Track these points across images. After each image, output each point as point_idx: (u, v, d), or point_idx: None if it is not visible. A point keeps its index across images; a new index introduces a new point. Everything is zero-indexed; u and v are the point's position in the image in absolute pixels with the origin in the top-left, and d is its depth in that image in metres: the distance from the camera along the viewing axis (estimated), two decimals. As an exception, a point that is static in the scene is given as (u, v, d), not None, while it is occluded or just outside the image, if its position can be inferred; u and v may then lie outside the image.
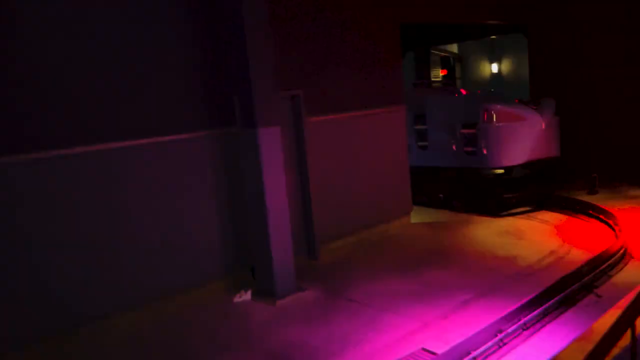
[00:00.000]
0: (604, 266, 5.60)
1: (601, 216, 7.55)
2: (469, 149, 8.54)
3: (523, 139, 8.29)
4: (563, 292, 5.03)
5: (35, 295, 4.75)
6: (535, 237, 7.21)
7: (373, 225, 7.69)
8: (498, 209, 8.45)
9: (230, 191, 6.07)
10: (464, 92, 10.12)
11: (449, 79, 15.83)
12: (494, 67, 16.49)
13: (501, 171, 8.32)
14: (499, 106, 8.31)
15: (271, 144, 5.61)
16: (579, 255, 6.20)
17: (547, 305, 4.80)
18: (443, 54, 15.91)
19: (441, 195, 9.33)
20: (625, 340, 1.76)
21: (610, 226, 7.15)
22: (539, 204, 8.63)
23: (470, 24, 10.37)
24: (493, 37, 14.66)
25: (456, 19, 9.35)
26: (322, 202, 6.87)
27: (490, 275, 5.90)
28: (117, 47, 5.22)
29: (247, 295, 5.86)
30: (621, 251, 5.96)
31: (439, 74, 15.30)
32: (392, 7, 7.77)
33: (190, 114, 5.77)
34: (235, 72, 5.63)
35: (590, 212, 7.88)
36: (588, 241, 6.77)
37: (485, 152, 8.26)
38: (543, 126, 8.44)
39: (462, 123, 8.67)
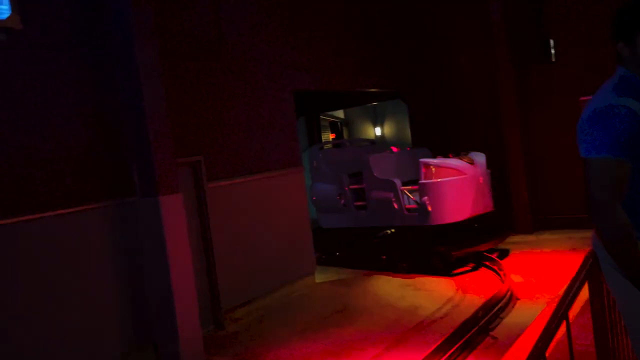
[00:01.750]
0: (495, 309, 6.06)
1: (487, 263, 8.18)
2: (411, 206, 8.37)
3: (464, 194, 8.08)
4: (463, 338, 5.34)
5: None
6: (432, 286, 7.61)
7: (278, 287, 7.64)
8: (446, 268, 8.04)
9: (128, 264, 5.73)
10: (394, 149, 10.22)
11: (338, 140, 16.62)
12: (377, 130, 17.67)
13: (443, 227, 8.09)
14: (437, 161, 8.22)
15: (174, 212, 5.48)
16: (473, 301, 6.64)
17: (450, 352, 5.05)
18: (331, 119, 16.78)
19: (384, 257, 8.93)
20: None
21: (495, 272, 7.76)
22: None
23: (354, 92, 11.14)
24: (375, 103, 15.82)
25: (342, 87, 10.01)
26: (226, 269, 6.73)
27: (396, 328, 6.10)
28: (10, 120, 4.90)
29: (151, 376, 5.47)
30: (508, 294, 6.49)
31: (329, 137, 16.03)
32: (287, 76, 8.16)
33: (81, 185, 5.45)
34: (133, 139, 5.51)
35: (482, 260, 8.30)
36: (479, 287, 7.28)
37: (429, 209, 8.03)
38: (481, 180, 8.36)
39: (401, 180, 8.57)
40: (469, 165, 8.27)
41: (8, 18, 4.90)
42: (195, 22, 6.82)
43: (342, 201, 9.50)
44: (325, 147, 11.48)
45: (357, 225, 9.38)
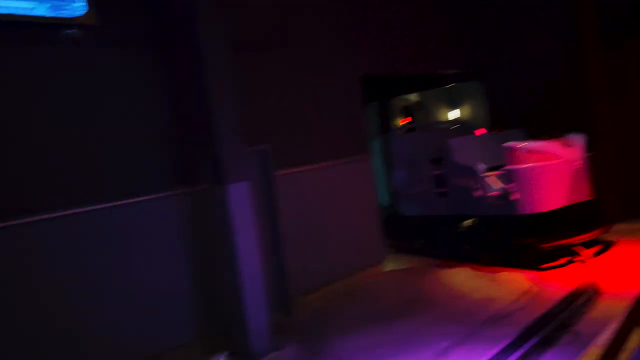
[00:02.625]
0: (578, 302, 5.65)
1: (578, 256, 7.38)
2: (495, 194, 7.78)
3: (556, 181, 7.41)
4: (541, 332, 5.03)
5: None
6: (510, 278, 7.23)
7: (347, 275, 7.60)
8: (535, 262, 7.35)
9: (201, 250, 5.94)
10: (480, 132, 9.45)
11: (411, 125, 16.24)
12: (453, 113, 17.05)
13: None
14: (525, 144, 7.51)
15: (241, 200, 5.57)
16: (552, 294, 6.24)
17: (527, 347, 4.77)
18: (404, 103, 16.39)
19: (467, 247, 8.43)
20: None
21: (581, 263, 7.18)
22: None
23: (429, 75, 10.77)
24: (450, 85, 15.25)
25: (415, 70, 9.70)
26: (294, 256, 6.78)
27: (468, 320, 5.86)
28: (85, 115, 5.24)
29: (222, 359, 5.63)
30: (592, 288, 6.03)
31: (401, 122, 15.68)
32: (356, 60, 8.02)
33: (156, 174, 5.69)
34: (202, 129, 5.64)
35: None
36: (561, 281, 6.81)
37: (514, 197, 7.45)
38: (577, 165, 7.59)
39: (486, 166, 7.93)
40: (563, 148, 7.58)
41: (85, 15, 5.16)
42: (260, 9, 6.84)
43: (422, 188, 9.14)
44: (406, 131, 10.93)
45: (437, 213, 8.95)
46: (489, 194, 7.83)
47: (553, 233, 7.39)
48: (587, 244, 7.49)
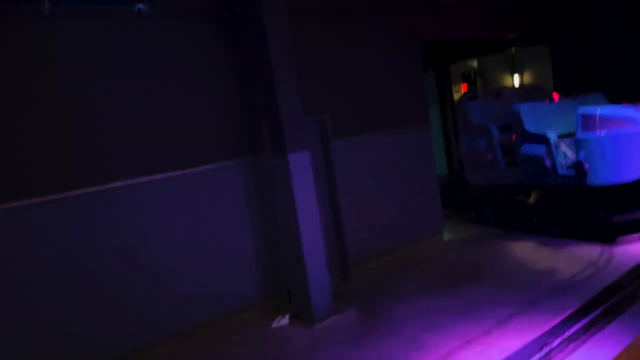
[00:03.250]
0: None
1: None
2: (567, 164, 7.47)
3: (633, 150, 6.93)
4: (606, 302, 4.94)
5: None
6: (576, 249, 7.06)
7: (405, 244, 7.66)
8: (607, 235, 7.04)
9: (264, 216, 6.16)
10: (556, 96, 8.88)
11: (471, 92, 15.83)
12: (516, 79, 16.42)
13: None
14: (600, 110, 7.08)
15: (301, 169, 5.69)
16: (619, 266, 6.06)
17: (591, 317, 4.71)
18: (463, 69, 15.93)
19: (535, 218, 8.18)
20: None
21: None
22: None
23: (489, 39, 10.39)
24: (513, 50, 14.65)
25: (476, 35, 9.40)
26: (353, 223, 6.89)
27: (530, 289, 5.81)
28: (152, 88, 5.46)
29: (285, 320, 5.88)
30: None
31: (460, 89, 15.30)
32: (413, 26, 7.87)
33: (221, 143, 5.92)
34: (262, 99, 5.77)
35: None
36: (629, 253, 6.58)
37: (586, 167, 7.10)
38: None
39: (557, 133, 7.63)
40: None
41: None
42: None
43: (490, 156, 8.83)
44: (477, 97, 10.45)
45: (505, 182, 8.67)
46: (561, 163, 7.54)
47: (628, 206, 7.10)
48: None
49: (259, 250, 6.14)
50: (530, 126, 7.87)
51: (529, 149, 7.89)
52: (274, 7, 5.56)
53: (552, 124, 7.81)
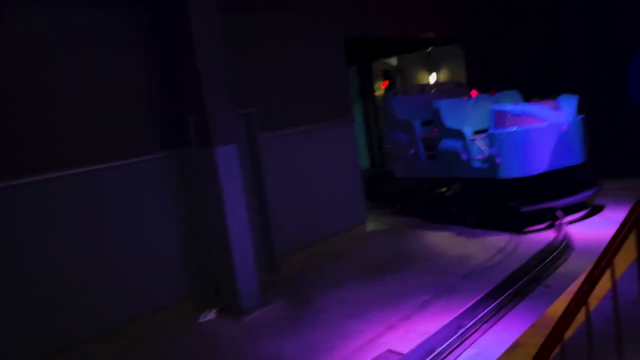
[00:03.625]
0: (549, 258, 5.99)
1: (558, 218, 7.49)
2: (481, 157, 7.78)
3: (540, 145, 7.35)
4: (514, 285, 5.36)
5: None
6: (486, 236, 7.57)
7: (330, 235, 7.85)
8: (516, 225, 7.49)
9: (190, 210, 6.07)
10: (474, 93, 9.23)
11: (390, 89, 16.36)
12: (432, 77, 17.18)
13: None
14: (511, 107, 7.43)
15: (229, 162, 5.68)
16: (526, 251, 6.58)
17: (501, 299, 5.09)
18: (384, 66, 16.44)
19: (453, 210, 8.64)
20: (581, 317, 1.98)
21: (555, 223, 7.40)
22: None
23: (408, 38, 10.82)
24: (429, 49, 15.32)
25: (395, 33, 9.76)
26: (279, 217, 6.97)
27: (446, 275, 6.18)
28: (73, 76, 5.19)
29: (212, 315, 5.86)
30: (564, 243, 6.38)
31: (381, 85, 15.79)
32: (337, 24, 8.04)
33: (146, 137, 5.75)
34: (189, 91, 5.68)
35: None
36: (535, 239, 7.16)
37: (498, 161, 7.45)
38: (566, 128, 7.47)
39: (473, 129, 7.97)
40: (551, 111, 7.47)
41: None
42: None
43: (413, 150, 9.12)
44: (403, 93, 10.75)
45: (427, 175, 9.06)
46: (475, 157, 7.91)
47: (534, 196, 7.52)
48: (575, 208, 7.59)
49: (185, 244, 6.04)
50: (448, 122, 8.22)
51: (447, 143, 8.24)
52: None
53: (468, 120, 8.18)
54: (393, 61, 17.04)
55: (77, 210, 5.19)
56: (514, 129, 7.30)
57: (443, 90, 10.41)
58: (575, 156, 7.67)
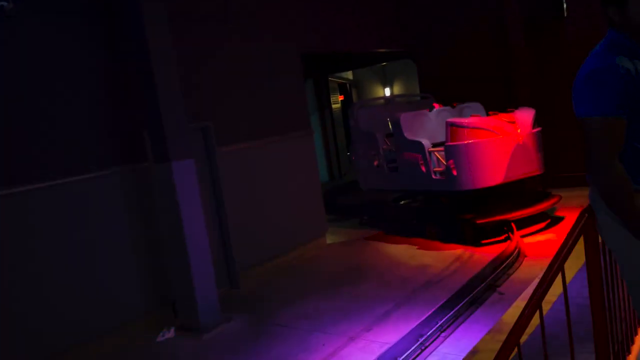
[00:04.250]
0: (502, 267, 6.19)
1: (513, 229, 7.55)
2: (439, 170, 7.77)
3: (496, 157, 7.35)
4: (471, 293, 5.50)
5: None
6: (442, 245, 7.73)
7: (290, 248, 7.83)
8: (474, 238, 7.49)
9: (145, 227, 5.93)
10: (437, 106, 9.19)
11: (345, 103, 16.59)
12: (387, 91, 17.54)
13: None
14: (466, 121, 7.50)
15: (186, 177, 5.60)
16: (480, 260, 6.77)
17: (458, 307, 5.22)
18: (340, 80, 16.67)
19: (414, 222, 8.72)
20: (535, 321, 2.07)
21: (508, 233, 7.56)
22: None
23: (363, 53, 11.04)
24: (384, 63, 15.67)
25: (351, 48, 9.94)
26: (239, 231, 6.89)
27: (405, 286, 6.27)
28: (16, 91, 5.01)
29: (170, 333, 5.72)
30: (516, 252, 6.60)
31: (337, 99, 16.00)
32: (295, 38, 8.12)
33: (97, 151, 5.60)
34: (144, 105, 5.59)
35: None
36: (489, 248, 7.35)
37: (454, 173, 7.43)
38: (522, 141, 7.51)
39: (431, 141, 7.98)
40: (506, 124, 7.50)
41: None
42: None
43: (376, 162, 9.07)
44: (368, 105, 10.81)
45: (390, 188, 9.05)
46: (434, 169, 7.89)
47: (491, 209, 7.57)
48: (533, 219, 7.62)
49: (140, 261, 5.89)
50: (409, 134, 8.21)
51: (407, 155, 8.24)
52: (154, 13, 5.42)
53: (428, 133, 8.22)
54: (349, 75, 17.31)
55: (28, 228, 4.99)
56: (469, 142, 7.31)
57: (408, 103, 10.35)
58: (533, 167, 7.68)
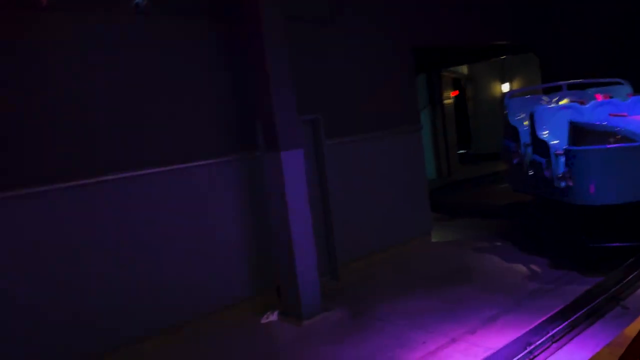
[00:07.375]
0: (628, 278, 5.60)
1: None
2: (562, 177, 6.30)
3: (628, 169, 5.81)
4: (589, 304, 5.04)
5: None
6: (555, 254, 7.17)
7: (394, 244, 7.74)
8: (589, 262, 6.28)
9: (255, 213, 6.20)
10: (599, 98, 7.36)
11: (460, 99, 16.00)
12: (505, 87, 16.64)
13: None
14: (592, 121, 6.27)
15: (294, 167, 5.75)
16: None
17: (574, 317, 4.81)
18: (454, 75, 16.13)
19: (528, 227, 7.83)
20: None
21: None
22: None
23: (479, 46, 10.55)
24: (503, 57, 14.86)
25: (466, 42, 9.54)
26: (342, 223, 6.96)
27: (514, 291, 5.92)
28: (150, 83, 5.49)
29: (273, 316, 5.93)
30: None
31: (449, 94, 15.50)
32: (405, 32, 7.98)
33: (215, 140, 5.95)
34: (257, 98, 5.82)
35: None
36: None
37: (570, 183, 6.12)
38: None
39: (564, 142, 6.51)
40: None
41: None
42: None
43: (516, 160, 7.72)
44: (525, 94, 9.33)
45: (526, 191, 7.83)
46: (558, 175, 6.45)
47: (608, 232, 6.18)
48: None
49: (249, 246, 6.18)
50: (540, 132, 6.96)
51: (536, 157, 6.98)
52: (271, 13, 5.61)
53: (562, 131, 6.62)
54: (464, 70, 16.69)
55: (156, 206, 5.47)
56: (593, 147, 5.96)
57: (570, 94, 8.15)
58: None
